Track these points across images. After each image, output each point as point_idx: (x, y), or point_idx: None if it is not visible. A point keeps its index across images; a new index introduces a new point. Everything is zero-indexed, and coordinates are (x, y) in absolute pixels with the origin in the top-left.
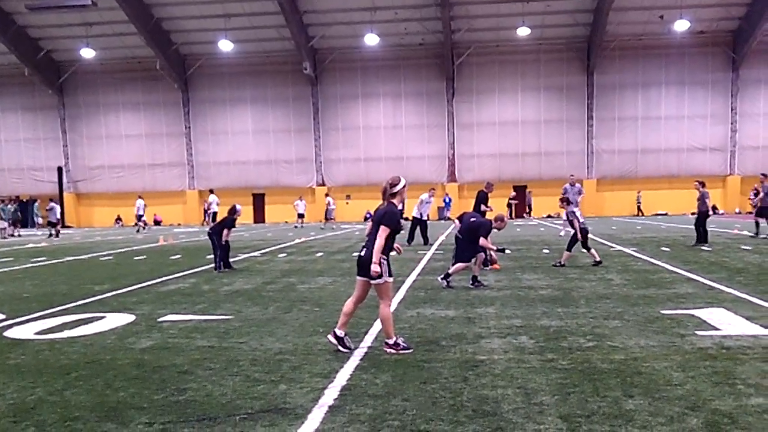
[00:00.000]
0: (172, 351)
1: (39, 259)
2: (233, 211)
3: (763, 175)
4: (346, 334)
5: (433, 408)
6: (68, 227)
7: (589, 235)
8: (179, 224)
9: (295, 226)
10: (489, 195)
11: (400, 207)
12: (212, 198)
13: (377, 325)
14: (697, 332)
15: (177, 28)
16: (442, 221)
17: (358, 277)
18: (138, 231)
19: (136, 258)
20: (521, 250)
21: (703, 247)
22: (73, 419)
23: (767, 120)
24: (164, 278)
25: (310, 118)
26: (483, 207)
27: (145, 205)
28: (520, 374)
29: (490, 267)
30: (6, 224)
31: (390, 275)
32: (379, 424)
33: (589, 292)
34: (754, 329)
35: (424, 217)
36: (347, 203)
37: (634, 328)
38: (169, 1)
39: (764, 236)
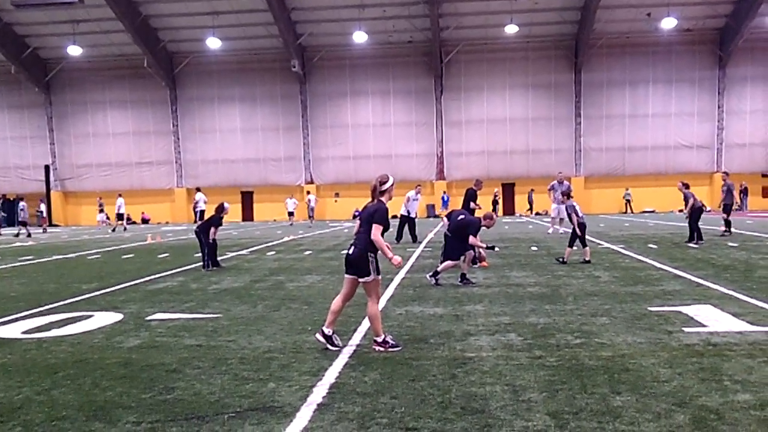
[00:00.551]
0: (160, 350)
1: (26, 257)
2: (221, 209)
3: (724, 173)
4: (334, 332)
5: (422, 405)
6: (55, 226)
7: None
8: (167, 222)
9: (291, 224)
10: (478, 192)
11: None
12: (199, 196)
13: (366, 323)
14: (684, 329)
15: (164, 26)
16: (431, 219)
17: (347, 275)
18: (113, 230)
19: (123, 256)
20: (509, 247)
21: (690, 245)
22: (60, 418)
23: (753, 117)
24: (152, 277)
25: (299, 116)
26: (472, 204)
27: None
28: (509, 371)
29: (478, 264)
30: None
31: (378, 273)
32: (368, 421)
33: (577, 290)
34: (741, 326)
35: (412, 215)
36: (336, 201)
37: (622, 325)
38: None
39: (725, 230)
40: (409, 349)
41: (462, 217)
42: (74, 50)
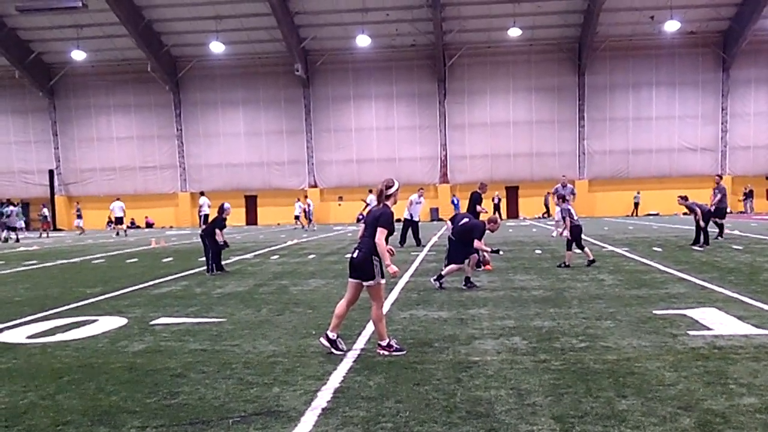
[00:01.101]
0: (164, 354)
1: (30, 262)
2: (221, 210)
3: (718, 176)
4: (338, 336)
5: (427, 410)
6: (59, 230)
7: (582, 234)
8: (171, 227)
9: (304, 228)
10: (483, 196)
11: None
12: (203, 200)
13: (370, 327)
14: (689, 332)
15: (168, 30)
16: (434, 222)
17: (351, 279)
18: (117, 234)
19: (128, 261)
20: (513, 251)
21: (695, 248)
22: (65, 423)
23: (757, 120)
24: (156, 281)
25: (302, 120)
26: (478, 208)
27: (122, 208)
28: (513, 375)
29: (482, 268)
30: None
31: (383, 277)
32: (373, 426)
33: (582, 293)
34: (746, 329)
35: (415, 218)
36: (339, 205)
37: (627, 328)
38: (160, 2)
39: (717, 234)
40: (414, 353)
41: (466, 220)
42: (78, 55)
